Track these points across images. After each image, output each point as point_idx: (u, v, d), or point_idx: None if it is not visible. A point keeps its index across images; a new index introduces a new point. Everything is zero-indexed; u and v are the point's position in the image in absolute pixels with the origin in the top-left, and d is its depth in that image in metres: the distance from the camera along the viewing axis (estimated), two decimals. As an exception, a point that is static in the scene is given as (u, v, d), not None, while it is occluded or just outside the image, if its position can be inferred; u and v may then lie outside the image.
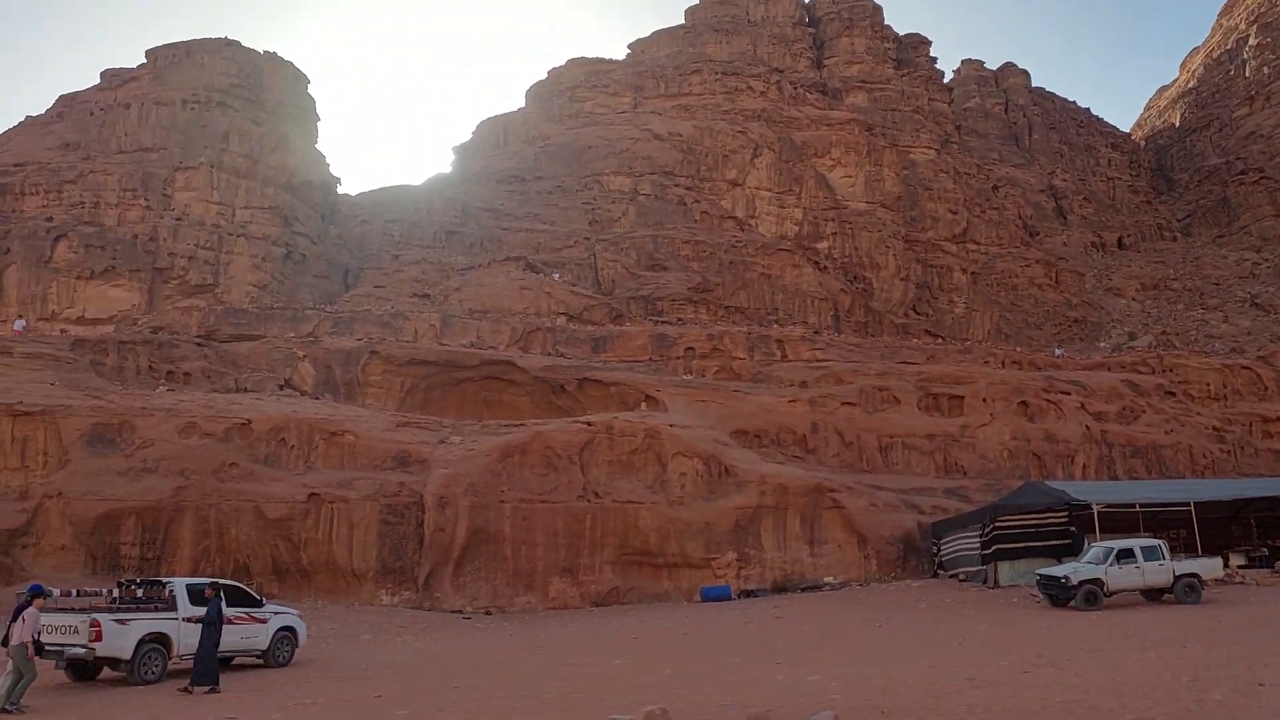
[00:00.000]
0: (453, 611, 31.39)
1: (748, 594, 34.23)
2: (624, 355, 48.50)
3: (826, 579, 35.10)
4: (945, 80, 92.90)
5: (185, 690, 15.70)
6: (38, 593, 15.33)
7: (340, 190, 61.77)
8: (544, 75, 79.92)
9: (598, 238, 61.38)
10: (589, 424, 37.19)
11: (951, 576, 34.03)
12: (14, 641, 14.27)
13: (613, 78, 75.83)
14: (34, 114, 59.91)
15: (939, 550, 35.63)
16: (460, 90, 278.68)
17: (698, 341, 48.89)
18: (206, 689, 15.71)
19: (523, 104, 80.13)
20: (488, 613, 31.79)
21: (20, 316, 48.23)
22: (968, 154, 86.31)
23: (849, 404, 43.42)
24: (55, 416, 33.68)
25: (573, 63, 78.84)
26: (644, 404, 41.72)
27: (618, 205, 64.81)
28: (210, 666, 16.06)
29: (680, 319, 54.04)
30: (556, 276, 56.68)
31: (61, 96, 59.00)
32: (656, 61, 77.50)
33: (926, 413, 44.46)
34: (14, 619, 15.16)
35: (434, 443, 36.21)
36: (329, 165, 58.59)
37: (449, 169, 76.30)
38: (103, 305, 49.05)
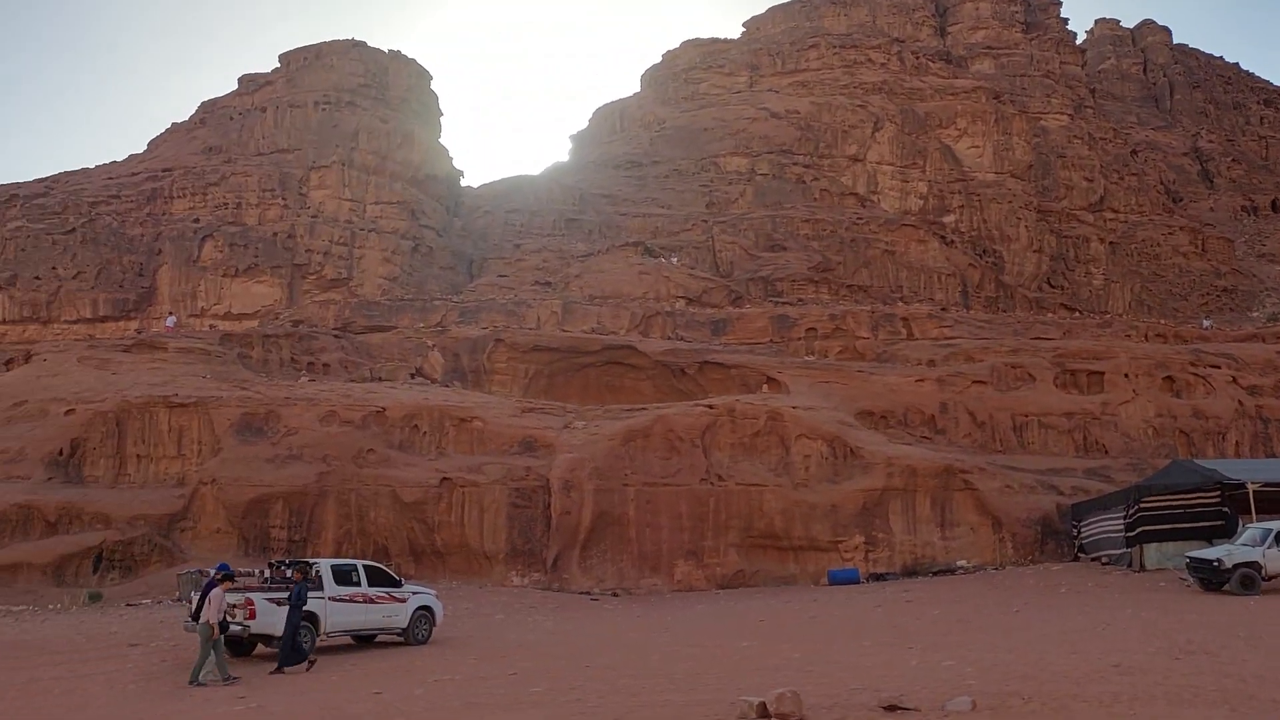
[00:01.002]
0: (581, 593, 31.97)
1: (876, 577, 33.67)
2: (744, 338, 48.22)
3: (959, 562, 34.20)
4: (1078, 42, 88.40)
5: (278, 672, 16.17)
6: (228, 575, 16.28)
7: (463, 183, 63.19)
8: (658, 59, 79.83)
9: (715, 220, 61.09)
10: (710, 407, 37.17)
11: (1093, 560, 32.66)
12: (202, 620, 15.22)
13: (728, 57, 75.14)
14: (179, 120, 63.45)
15: (1079, 533, 34.23)
16: (577, 79, 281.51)
17: (819, 322, 48.16)
18: (305, 667, 16.37)
19: (638, 89, 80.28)
20: (615, 594, 32.23)
21: (171, 313, 51.32)
22: (1103, 118, 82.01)
23: (980, 382, 42.04)
24: (208, 407, 35.74)
25: (687, 44, 78.45)
26: (765, 386, 41.42)
27: (735, 186, 64.32)
28: (295, 647, 16.59)
29: (801, 299, 53.33)
30: (675, 260, 56.73)
31: (203, 103, 62.26)
32: (772, 38, 76.34)
33: (1064, 390, 42.62)
34: (202, 597, 16.29)
35: (558, 428, 36.84)
36: (452, 159, 60.06)
37: (567, 157, 77.20)
38: (247, 301, 51.66)
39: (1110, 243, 69.56)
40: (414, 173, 55.46)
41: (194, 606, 17.95)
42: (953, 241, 62.13)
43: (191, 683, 14.66)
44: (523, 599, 29.87)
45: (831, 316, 48.51)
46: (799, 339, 47.50)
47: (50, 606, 27.28)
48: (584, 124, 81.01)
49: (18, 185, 59.70)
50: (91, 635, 21.24)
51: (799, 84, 70.71)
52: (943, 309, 53.25)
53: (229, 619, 17.20)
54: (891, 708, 10.75)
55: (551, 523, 33.47)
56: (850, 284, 57.09)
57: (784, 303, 52.23)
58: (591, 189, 64.62)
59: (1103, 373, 42.84)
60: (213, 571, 19.13)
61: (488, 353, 45.46)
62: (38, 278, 53.53)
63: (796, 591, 32.02)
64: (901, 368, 43.96)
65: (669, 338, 47.58)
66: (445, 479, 33.96)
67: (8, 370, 41.72)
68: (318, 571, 18.55)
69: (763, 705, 10.42)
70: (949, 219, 63.99)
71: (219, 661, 15.30)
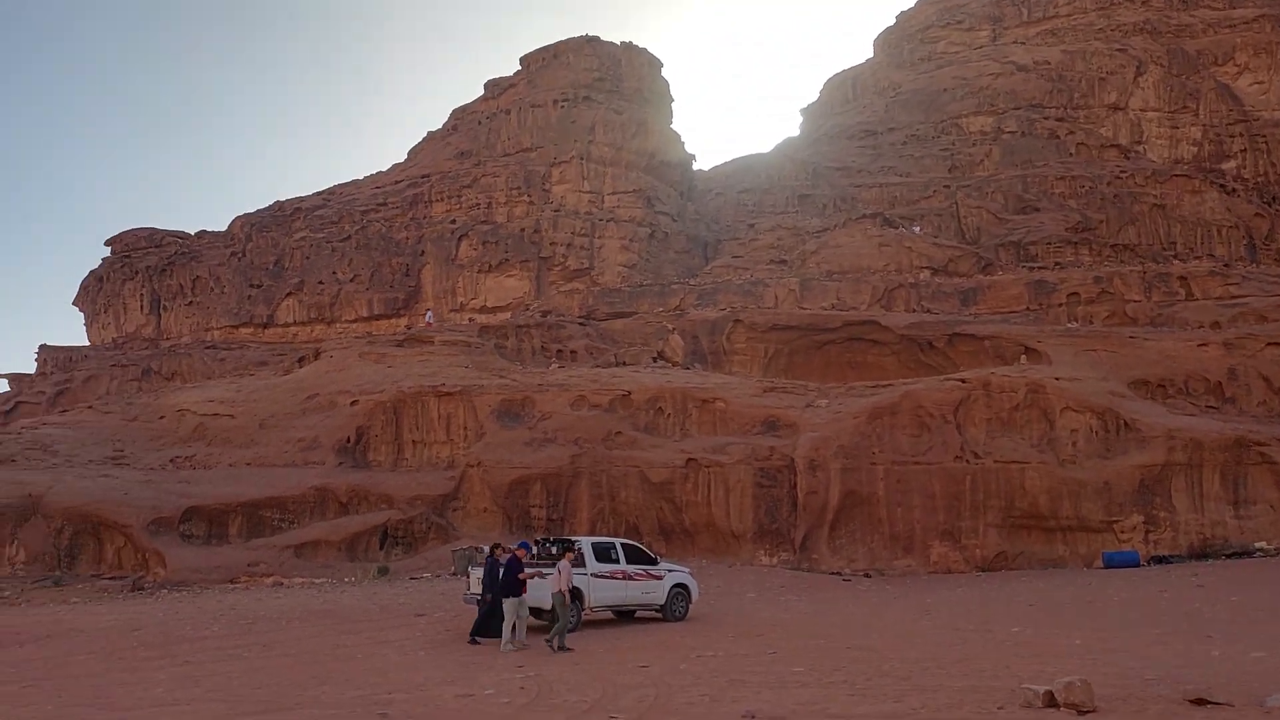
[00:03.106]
0: (831, 573, 31.49)
1: (1159, 560, 30.92)
2: (996, 307, 45.67)
3: (1258, 544, 30.79)
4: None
5: (473, 642, 17.09)
6: (567, 547, 17.49)
7: (695, 166, 63.73)
8: (892, 21, 76.85)
9: (959, 185, 58.16)
10: (963, 381, 35.44)
11: None
12: (553, 590, 16.40)
13: (967, 12, 71.14)
14: (433, 129, 68.05)
15: None
16: (806, 50, 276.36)
17: (1082, 286, 44.76)
18: (491, 641, 17.15)
19: (870, 55, 77.68)
20: (867, 575, 31.51)
21: (429, 309, 55.26)
22: None
23: (1275, 344, 37.55)
24: (471, 395, 38.16)
25: (923, 3, 75.02)
26: (1023, 357, 39.00)
27: (979, 148, 60.91)
28: (491, 622, 17.31)
29: (1058, 263, 49.75)
30: (917, 230, 54.54)
31: (454, 110, 66.44)
32: (1015, -12, 71.56)
33: (1383, 351, 37.30)
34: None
35: (801, 407, 36.39)
36: (684, 144, 60.68)
37: (798, 132, 76.00)
38: (500, 295, 54.72)
39: None
40: (648, 161, 56.54)
41: (469, 581, 19.22)
42: (1234, 190, 55.83)
43: (560, 649, 15.63)
44: (772, 578, 29.78)
45: (1096, 279, 44.95)
46: (1059, 305, 44.40)
47: (346, 579, 30.08)
48: (814, 96, 79.47)
49: (300, 199, 66.33)
50: (383, 606, 23.22)
51: (1048, 33, 65.91)
52: (1226, 265, 47.98)
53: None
54: (1200, 701, 9.75)
55: (798, 502, 33.15)
56: (1114, 243, 52.59)
57: (1040, 268, 48.94)
58: (824, 162, 63.30)
59: None
60: (486, 548, 20.50)
61: (726, 334, 45.69)
62: (321, 282, 59.24)
63: (1067, 575, 29.98)
64: (1180, 331, 40.08)
65: (914, 310, 45.85)
66: (690, 459, 34.44)
67: (300, 367, 46.48)
68: (580, 549, 19.30)
69: (1049, 694, 9.76)
70: (1229, 165, 57.60)
71: (521, 629, 16.31)
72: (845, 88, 74.88)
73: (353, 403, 38.96)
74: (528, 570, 17.00)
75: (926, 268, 50.73)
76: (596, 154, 55.37)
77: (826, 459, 33.14)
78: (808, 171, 61.55)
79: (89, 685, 13.37)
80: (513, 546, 18.75)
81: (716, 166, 68.61)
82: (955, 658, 13.96)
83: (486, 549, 18.44)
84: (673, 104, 62.70)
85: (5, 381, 61.46)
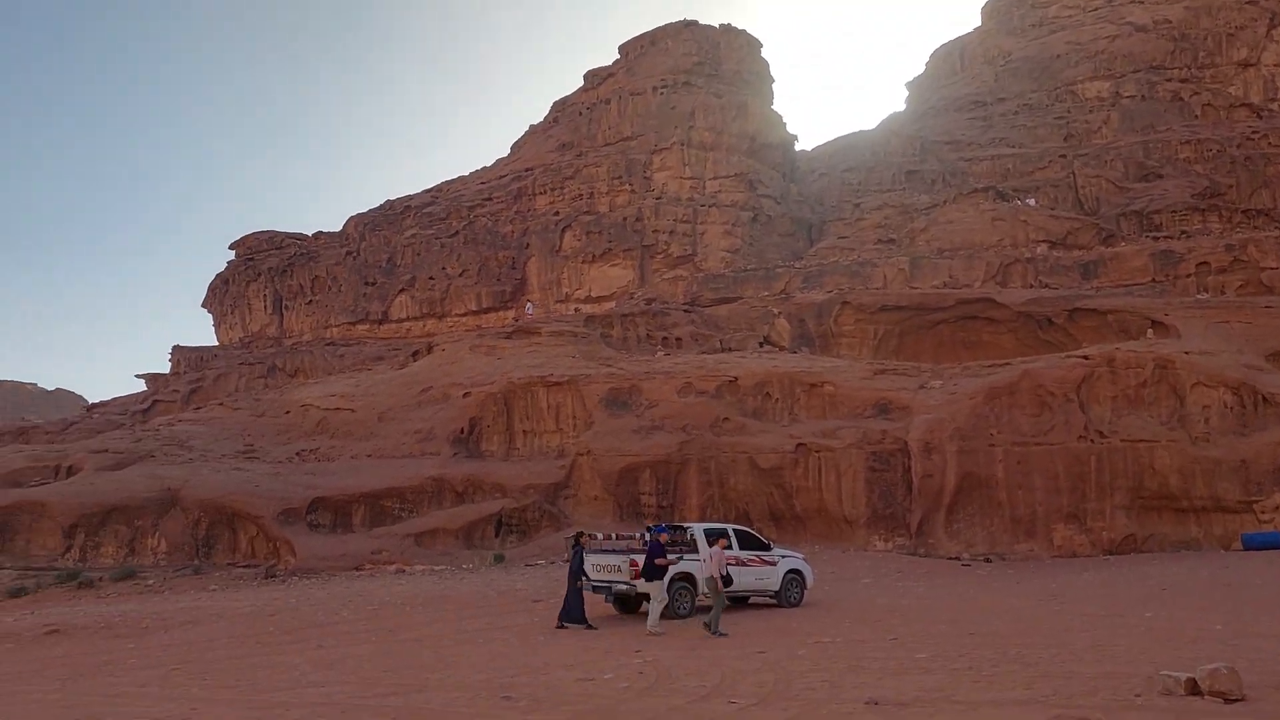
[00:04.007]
0: (949, 558, 30.75)
1: (1305, 542, 29.15)
2: (1119, 279, 43.73)
3: None
4: None
5: (561, 627, 17.39)
6: (720, 534, 17.65)
7: (797, 147, 62.85)
8: (999, -12, 74.09)
9: (1075, 154, 55.82)
10: (1085, 357, 34.08)
11: None
12: (705, 575, 16.60)
13: (1079, -27, 68.11)
14: (534, 122, 68.90)
15: None
16: (910, 23, 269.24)
17: (1212, 254, 42.46)
18: (583, 627, 17.36)
19: (978, 24, 75.13)
20: (987, 559, 30.66)
21: (529, 301, 56.08)
22: None
23: None
24: (579, 384, 38.60)
25: (1031, -33, 72.13)
26: (1150, 331, 37.27)
27: (1096, 114, 58.33)
28: (575, 607, 17.63)
29: (1185, 232, 47.32)
30: (1031, 202, 52.63)
31: (555, 103, 67.12)
32: (1131, -57, 68.12)
33: None
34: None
35: (913, 388, 35.60)
36: (786, 125, 59.90)
37: (903, 106, 74.14)
38: (604, 284, 55.13)
39: None
40: (749, 144, 56.03)
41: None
42: (1381, 146, 52.02)
43: (715, 634, 15.75)
44: (888, 564, 29.26)
45: (1228, 247, 42.57)
46: (1187, 276, 42.24)
47: (464, 566, 30.87)
48: (920, 69, 77.37)
49: (410, 198, 68.15)
50: (501, 591, 23.74)
51: (1168, -12, 62.57)
52: (1373, 227, 44.82)
53: (614, 579, 18.45)
54: (1360, 692, 9.14)
55: (913, 486, 32.46)
56: (1246, 209, 49.73)
57: (1165, 237, 46.63)
58: (932, 136, 61.60)
59: None
60: (599, 535, 20.72)
61: (834, 316, 45.01)
62: (431, 278, 60.78)
63: (1201, 557, 28.58)
64: (1323, 300, 37.63)
65: (1031, 286, 44.29)
66: (800, 444, 34.09)
67: (414, 361, 47.82)
68: (692, 535, 19.31)
69: (1191, 681, 9.30)
70: (1376, 119, 53.61)
71: (654, 612, 16.40)
72: (952, 59, 72.70)
73: (465, 395, 39.87)
74: (665, 557, 17.04)
75: (1043, 241, 48.91)
76: (697, 139, 55.16)
77: (942, 441, 32.35)
78: (915, 147, 60.00)
79: (232, 668, 14.07)
80: (598, 534, 18.92)
81: (819, 146, 67.55)
82: (1086, 644, 13.45)
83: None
84: (773, 85, 61.99)
85: (143, 381, 65.15)
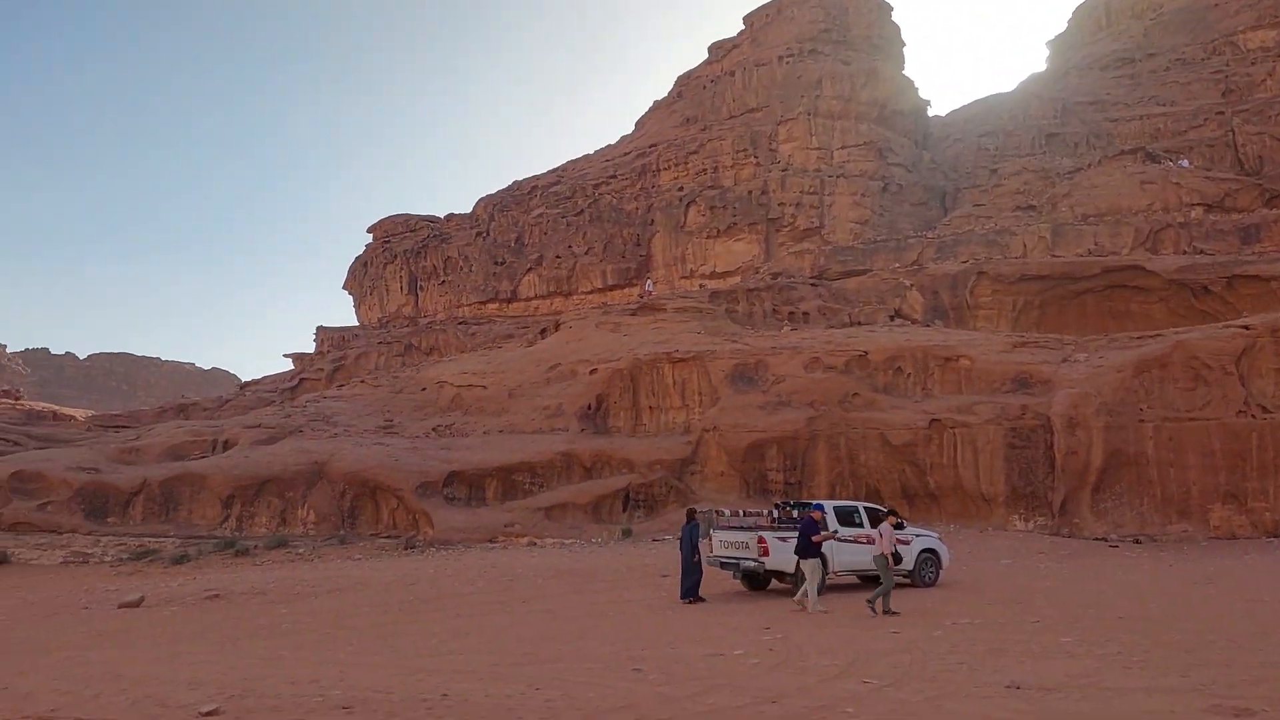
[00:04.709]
0: (1095, 539, 29.41)
1: None
2: (1285, 243, 40.66)
3: None
4: None
5: (690, 602, 17.57)
6: (892, 511, 17.47)
7: (930, 113, 60.75)
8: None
9: (1234, 110, 52.03)
10: (1246, 327, 31.85)
11: None
12: (874, 553, 16.51)
13: (1239, -86, 63.15)
14: (658, 98, 68.81)
15: None
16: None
17: (1393, 214, 38.97)
18: (689, 601, 17.59)
19: (1124, -25, 70.66)
20: (1136, 540, 29.17)
21: (649, 279, 56.15)
22: None
23: None
24: (704, 360, 38.50)
25: (1184, -89, 67.30)
26: (1320, 298, 34.53)
27: (1259, 66, 54.16)
28: (690, 582, 17.80)
29: (1362, 190, 43.59)
30: (1184, 163, 49.41)
31: (679, 77, 66.83)
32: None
33: None
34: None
35: (1055, 362, 34.06)
36: (917, 90, 57.93)
37: (1044, 66, 70.67)
38: (728, 259, 54.75)
39: None
40: (879, 111, 54.49)
41: (710, 544, 19.47)
42: None
43: (886, 612, 15.55)
44: (1028, 544, 28.18)
45: None
46: (1363, 238, 38.92)
47: (593, 540, 31.34)
48: (1061, 27, 73.49)
49: (536, 178, 69.23)
50: (629, 566, 23.99)
51: (1343, -76, 57.35)
52: None
53: (742, 556, 18.38)
54: None
55: (1055, 464, 31.11)
56: None
57: (1338, 196, 43.07)
58: (1075, 97, 58.51)
59: None
60: (726, 512, 20.66)
61: (970, 287, 43.45)
62: (558, 256, 61.67)
63: (1382, 543, 26.43)
64: None
65: (1184, 252, 41.68)
66: (934, 420, 33.13)
67: (543, 339, 48.68)
68: (821, 512, 19.04)
69: (1372, 677, 8.59)
70: None
71: (812, 590, 16.28)
72: (1097, 14, 68.73)
73: (592, 371, 40.33)
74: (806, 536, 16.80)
75: (1198, 204, 45.89)
76: (824, 108, 53.97)
77: (1087, 417, 30.86)
78: (1056, 108, 57.12)
79: (377, 634, 14.68)
80: (725, 510, 18.83)
81: (954, 111, 65.13)
82: (1247, 630, 12.62)
83: (700, 510, 18.60)
84: (904, 49, 60.01)
85: (291, 361, 68.58)
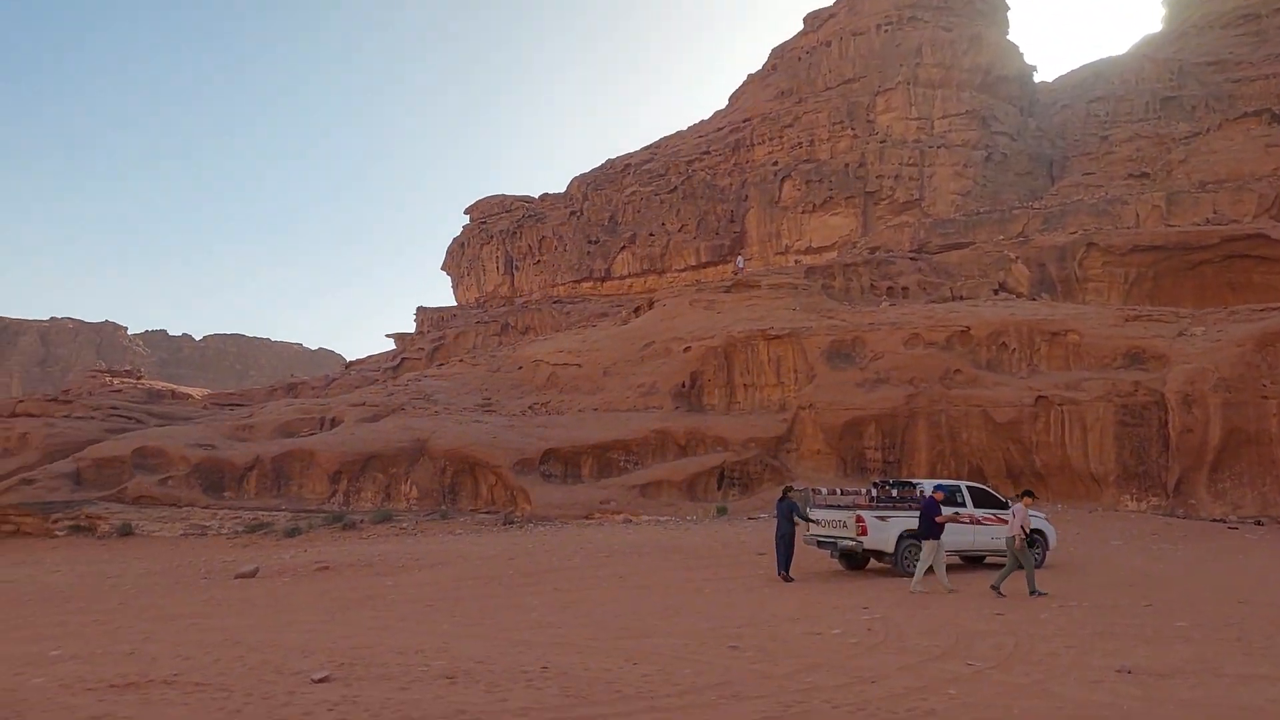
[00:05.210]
0: (1212, 520, 28.15)
1: None
2: None
3: None
4: None
5: (788, 580, 17.47)
6: (1027, 492, 16.81)
7: (1036, 79, 58.48)
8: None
9: (1373, 65, 48.70)
10: (1383, 298, 29.92)
11: None
12: (1007, 534, 16.04)
13: None
14: (753, 71, 67.92)
15: None
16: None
17: None
18: (783, 576, 17.52)
19: (1247, -74, 66.61)
20: (1258, 523, 27.81)
21: (740, 256, 55.60)
22: None
23: None
24: (800, 337, 38.07)
25: None
26: None
27: (1399, 17, 50.54)
28: (783, 555, 17.78)
29: None
30: (1314, 124, 46.49)
31: (773, 49, 65.83)
32: None
33: None
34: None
35: (1170, 336, 32.60)
36: (1023, 55, 55.80)
37: (1160, 26, 67.28)
38: (824, 234, 53.90)
39: None
40: (982, 78, 52.74)
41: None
42: None
43: (1033, 593, 15.11)
44: (1141, 525, 27.13)
45: None
46: None
47: (688, 518, 31.42)
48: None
49: (629, 156, 69.27)
50: (724, 543, 23.99)
51: None
52: None
53: (840, 535, 18.17)
54: None
55: (1170, 442, 29.85)
56: None
57: None
58: (1193, 58, 55.54)
59: None
60: (823, 490, 20.43)
61: (1078, 259, 41.86)
62: (651, 234, 61.67)
63: None
64: None
65: (1313, 219, 39.26)
66: (1040, 397, 32.13)
67: (636, 317, 48.81)
68: (922, 491, 18.67)
69: None
70: None
71: (920, 569, 15.97)
72: (1216, -32, 64.95)
73: (686, 349, 40.29)
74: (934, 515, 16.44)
75: (1331, 167, 43.16)
76: (925, 77, 52.49)
77: (1204, 393, 29.48)
78: (1172, 70, 54.33)
79: (478, 607, 15.03)
80: (823, 489, 18.59)
81: (1062, 76, 62.61)
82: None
83: (796, 488, 18.35)
84: (1008, 13, 57.86)
85: (393, 341, 70.43)
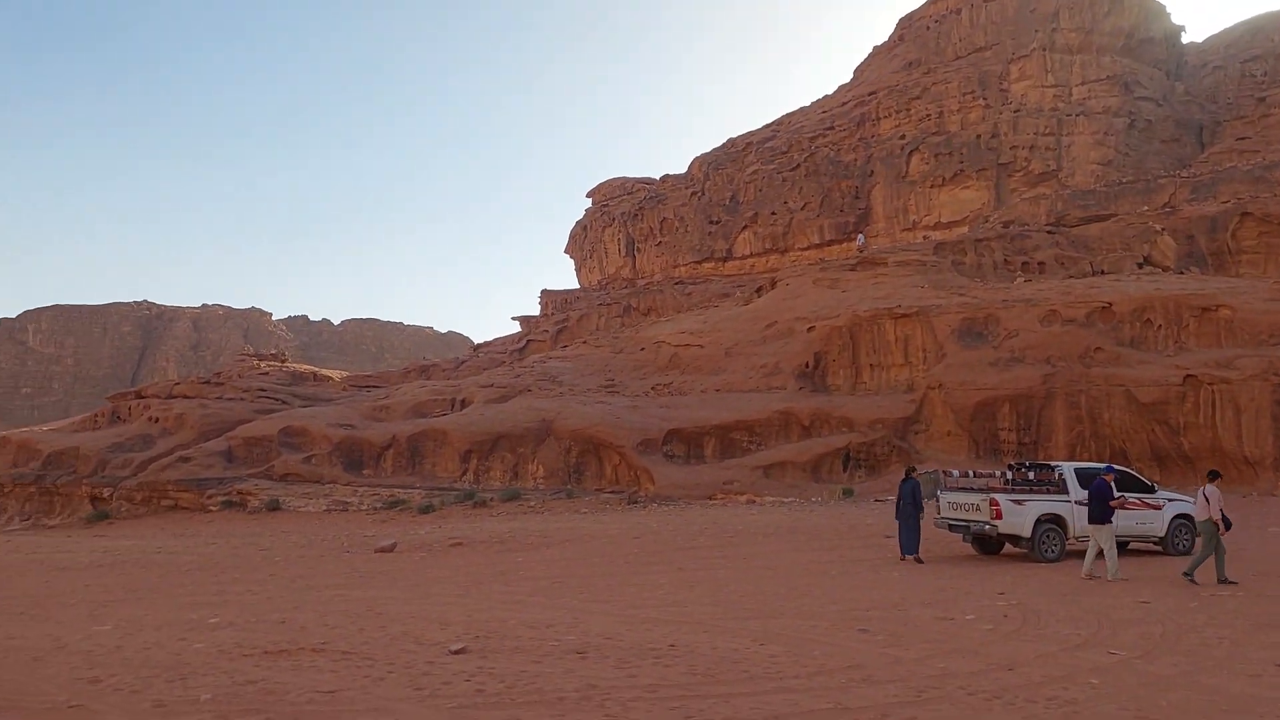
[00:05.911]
0: (1386, 508, 26.10)
1: None
2: None
3: None
4: None
5: (917, 560, 17.32)
6: (1214, 473, 15.94)
7: (1184, 39, 55.03)
8: None
9: None
10: None
11: None
12: (1199, 518, 15.25)
13: None
14: (877, 43, 66.19)
15: None
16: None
17: None
18: (913, 558, 17.38)
19: None
20: None
21: (861, 233, 54.31)
22: None
23: None
24: (929, 315, 37.08)
25: None
26: None
27: None
28: (907, 539, 17.60)
29: None
30: None
31: (900, 20, 63.96)
32: None
33: None
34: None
35: (1337, 310, 30.34)
36: (1169, 15, 52.58)
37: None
38: (954, 208, 52.20)
39: None
40: (1125, 41, 49.99)
41: (937, 506, 18.83)
42: None
43: (1222, 581, 14.40)
44: (1304, 512, 25.39)
45: None
46: None
47: (813, 499, 31.11)
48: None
49: (751, 134, 68.59)
50: (850, 525, 23.65)
51: None
52: None
53: (973, 519, 17.67)
54: None
55: (1336, 424, 27.84)
56: None
57: None
58: (1364, 8, 51.23)
59: None
60: (955, 473, 19.89)
61: (1231, 230, 39.39)
62: (773, 213, 61.01)
63: None
64: None
65: None
66: (1189, 376, 30.47)
67: (759, 297, 48.44)
68: (1061, 474, 17.97)
69: None
70: None
71: (1110, 557, 15.28)
72: (1393, -92, 59.74)
73: (809, 329, 39.79)
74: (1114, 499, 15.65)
75: None
76: (1062, 42, 50.09)
77: (1375, 372, 27.37)
78: (1339, 23, 50.34)
79: (605, 584, 15.28)
80: (954, 471, 18.05)
81: (1213, 36, 58.76)
82: None
83: (926, 470, 17.87)
84: (1153, -31, 54.57)
85: (518, 323, 71.95)
